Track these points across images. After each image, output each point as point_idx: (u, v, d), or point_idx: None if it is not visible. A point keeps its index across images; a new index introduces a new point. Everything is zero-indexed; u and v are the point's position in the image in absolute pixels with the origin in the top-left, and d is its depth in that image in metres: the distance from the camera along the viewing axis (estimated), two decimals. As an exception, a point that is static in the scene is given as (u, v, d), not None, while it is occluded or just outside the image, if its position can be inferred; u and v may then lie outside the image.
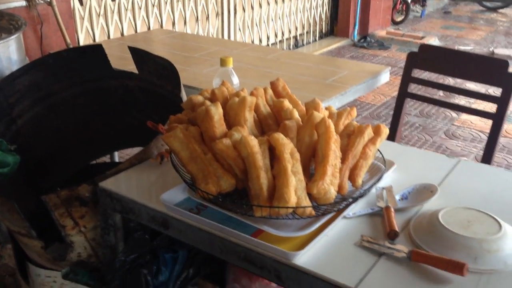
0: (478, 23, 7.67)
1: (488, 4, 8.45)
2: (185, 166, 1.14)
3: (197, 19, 4.46)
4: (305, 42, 5.98)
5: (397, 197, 1.20)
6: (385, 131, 1.25)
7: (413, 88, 2.19)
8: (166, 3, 4.16)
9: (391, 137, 2.08)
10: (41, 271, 1.52)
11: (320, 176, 1.09)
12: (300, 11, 5.77)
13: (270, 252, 1.01)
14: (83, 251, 1.44)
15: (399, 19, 7.15)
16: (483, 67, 2.00)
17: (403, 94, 2.09)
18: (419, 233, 1.05)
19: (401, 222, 1.12)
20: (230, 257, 1.08)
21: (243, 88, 1.28)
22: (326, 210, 1.09)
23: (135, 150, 1.72)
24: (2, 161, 1.47)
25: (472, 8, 8.66)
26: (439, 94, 4.12)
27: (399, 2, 7.10)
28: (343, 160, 1.18)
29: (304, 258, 0.99)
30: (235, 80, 1.54)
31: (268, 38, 5.42)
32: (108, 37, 3.70)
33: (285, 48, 5.59)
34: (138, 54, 1.75)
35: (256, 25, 5.20)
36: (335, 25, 6.38)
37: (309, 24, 5.98)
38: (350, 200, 1.13)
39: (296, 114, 1.21)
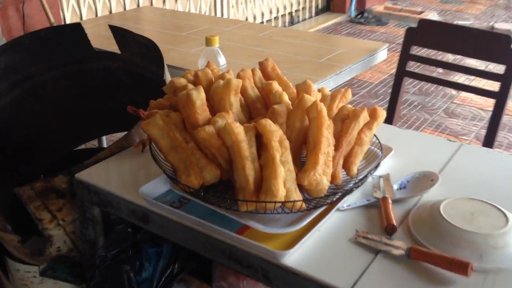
0: (477, -3, 7.51)
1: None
2: (166, 156, 1.05)
3: (188, -4, 4.32)
4: (300, 19, 5.84)
5: (395, 187, 1.12)
6: (382, 114, 1.16)
7: (412, 65, 2.09)
8: (156, -21, 4.02)
9: (389, 119, 1.99)
10: (20, 266, 1.44)
11: (312, 166, 1.00)
12: (295, -13, 5.62)
13: (257, 251, 0.92)
14: (63, 245, 1.36)
15: (397, -7, 6.99)
16: (484, 43, 1.90)
17: (402, 73, 1.99)
18: (419, 228, 0.97)
19: (399, 214, 1.03)
20: (215, 255, 1.00)
21: (229, 70, 1.19)
22: (318, 202, 1.00)
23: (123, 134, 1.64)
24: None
25: (471, -19, 8.48)
26: (438, 71, 4.01)
27: (397, -24, 6.93)
28: (337, 147, 1.09)
29: (294, 257, 0.91)
30: (222, 60, 1.43)
31: (262, 15, 5.27)
32: (96, 15, 3.57)
33: (280, 25, 5.45)
34: (119, 34, 1.64)
35: (250, 2, 5.05)
36: (331, 0, 6.22)
37: (305, 0, 5.83)
38: (344, 191, 1.04)
39: (286, 98, 1.12)
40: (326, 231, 0.99)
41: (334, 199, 1.01)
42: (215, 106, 1.11)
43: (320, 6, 6.13)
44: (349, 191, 1.04)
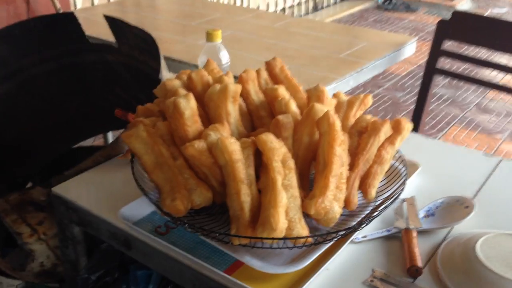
0: (513, -18, 7.13)
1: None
2: (149, 174, 0.90)
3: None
4: (325, 5, 5.60)
5: (421, 214, 0.94)
6: (407, 127, 0.98)
7: (443, 61, 1.89)
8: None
9: (415, 125, 1.80)
10: (3, 279, 1.33)
11: (321, 191, 0.83)
12: (320, -29, 5.38)
13: (250, 296, 0.77)
14: (46, 260, 1.22)
15: (427, -22, 6.67)
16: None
17: (432, 70, 1.78)
18: (450, 271, 0.80)
19: (425, 250, 0.86)
20: (204, 294, 0.84)
21: (228, 72, 1.02)
22: (327, 236, 0.83)
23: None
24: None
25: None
26: (465, 67, 3.75)
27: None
28: (352, 166, 0.92)
29: (295, 305, 0.75)
30: (225, 58, 1.26)
31: (285, 0, 5.06)
32: (108, 0, 3.42)
33: (303, 11, 5.23)
34: (115, 25, 1.49)
35: (272, -13, 4.85)
36: (358, -15, 5.96)
37: (330, -15, 5.59)
38: (359, 220, 0.87)
39: (293, 106, 0.95)
40: (336, 269, 0.83)
41: (346, 232, 0.84)
42: (211, 114, 0.95)
43: (345, -8, 5.88)
44: (367, 220, 0.87)
